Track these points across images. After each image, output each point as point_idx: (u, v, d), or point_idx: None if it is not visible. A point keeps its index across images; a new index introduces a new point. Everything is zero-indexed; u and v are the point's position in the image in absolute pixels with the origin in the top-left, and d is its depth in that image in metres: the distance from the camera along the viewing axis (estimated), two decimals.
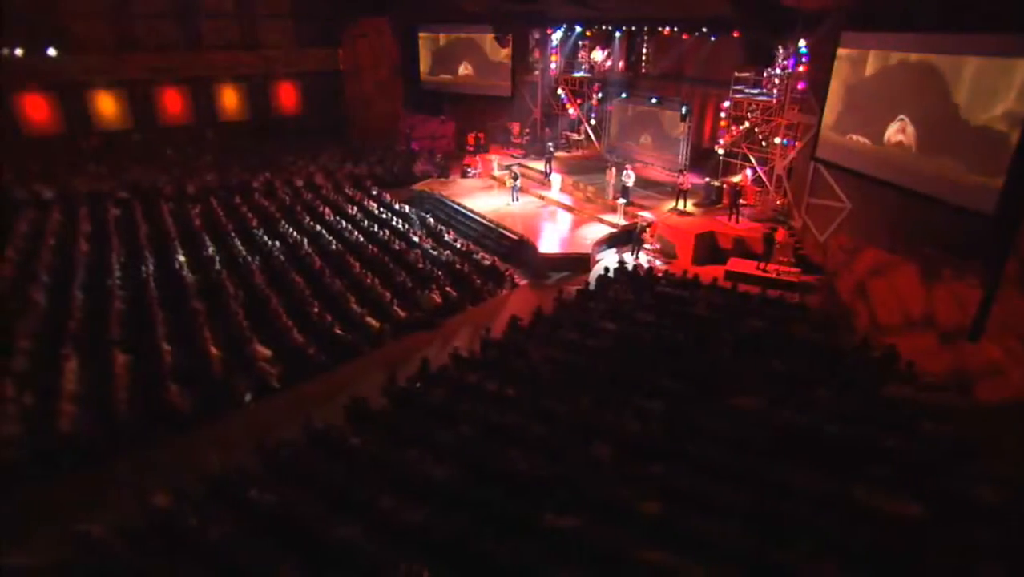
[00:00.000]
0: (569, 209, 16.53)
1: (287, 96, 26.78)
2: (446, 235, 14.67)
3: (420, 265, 12.70)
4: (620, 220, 14.95)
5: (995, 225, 8.77)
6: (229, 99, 25.53)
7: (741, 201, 14.47)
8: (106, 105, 22.91)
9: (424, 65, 23.95)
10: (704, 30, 15.78)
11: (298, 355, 9.68)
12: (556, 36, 20.73)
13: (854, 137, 11.80)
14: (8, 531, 6.47)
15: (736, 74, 15.21)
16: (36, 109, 21.56)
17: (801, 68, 13.66)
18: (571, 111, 21.59)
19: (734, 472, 6.50)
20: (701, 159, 17.33)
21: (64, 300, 10.80)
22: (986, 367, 8.46)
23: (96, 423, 7.84)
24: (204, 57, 24.13)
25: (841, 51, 11.91)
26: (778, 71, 14.52)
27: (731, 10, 12.90)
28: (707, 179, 16.07)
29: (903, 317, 9.93)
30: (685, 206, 15.22)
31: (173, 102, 24.33)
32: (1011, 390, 8.00)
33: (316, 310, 10.65)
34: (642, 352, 9.46)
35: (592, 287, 12.14)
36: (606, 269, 12.44)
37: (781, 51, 14.17)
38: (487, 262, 13.00)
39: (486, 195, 17.93)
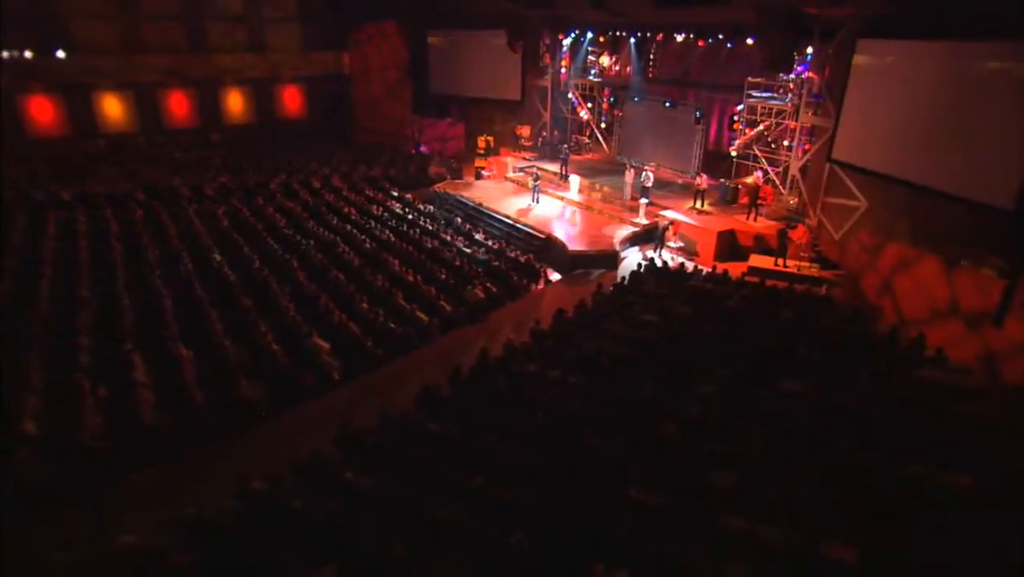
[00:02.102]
0: (589, 209, 16.98)
1: (292, 99, 26.86)
2: (476, 234, 14.99)
3: (457, 262, 13.01)
4: (642, 219, 15.45)
5: (1016, 220, 9.37)
6: (235, 102, 25.52)
7: (760, 200, 15.06)
8: (112, 107, 22.76)
9: (433, 68, 24.17)
10: (720, 36, 16.38)
11: (355, 349, 9.90)
12: (567, 41, 21.22)
13: (872, 138, 12.41)
14: (109, 518, 6.60)
15: (750, 79, 15.84)
16: (42, 111, 21.34)
17: (809, 75, 14.34)
18: (583, 114, 22.10)
19: (793, 448, 6.94)
20: (711, 161, 17.93)
21: (111, 299, 10.86)
22: (1012, 348, 9.08)
23: (174, 414, 7.99)
24: (210, 60, 24.12)
25: (858, 58, 12.57)
26: (792, 76, 15.16)
27: (755, 17, 13.47)
28: (722, 180, 16.66)
29: (929, 308, 10.51)
30: (703, 206, 15.77)
31: (179, 105, 24.26)
32: None
33: (365, 306, 10.88)
34: (686, 342, 9.90)
35: (625, 283, 12.56)
36: (639, 265, 12.89)
37: (797, 57, 14.82)
38: (522, 259, 13.35)
39: (504, 197, 18.29)
